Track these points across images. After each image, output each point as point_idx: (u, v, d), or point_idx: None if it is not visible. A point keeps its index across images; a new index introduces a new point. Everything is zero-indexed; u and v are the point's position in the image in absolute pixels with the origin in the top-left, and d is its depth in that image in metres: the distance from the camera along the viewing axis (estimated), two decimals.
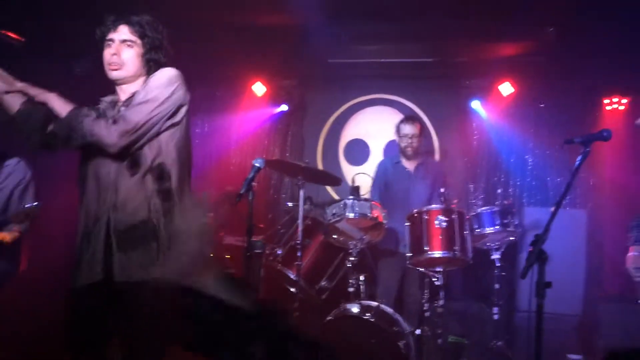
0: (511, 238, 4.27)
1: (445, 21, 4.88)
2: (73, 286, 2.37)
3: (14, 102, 2.40)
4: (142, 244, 2.33)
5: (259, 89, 6.11)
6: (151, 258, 2.32)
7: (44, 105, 2.38)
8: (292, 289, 4.34)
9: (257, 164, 2.22)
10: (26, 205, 3.21)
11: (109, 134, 2.31)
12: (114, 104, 2.52)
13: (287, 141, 6.19)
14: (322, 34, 5.02)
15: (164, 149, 2.42)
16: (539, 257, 2.42)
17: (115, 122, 2.33)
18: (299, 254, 4.22)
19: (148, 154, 2.40)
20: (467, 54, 5.55)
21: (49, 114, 2.38)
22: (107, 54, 2.46)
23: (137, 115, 2.34)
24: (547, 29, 4.95)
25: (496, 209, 4.20)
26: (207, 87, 6.11)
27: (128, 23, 2.47)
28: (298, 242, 4.25)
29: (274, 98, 6.17)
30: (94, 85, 2.62)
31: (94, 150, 2.39)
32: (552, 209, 2.53)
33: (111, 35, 2.46)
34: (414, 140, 4.70)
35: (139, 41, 2.47)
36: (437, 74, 5.80)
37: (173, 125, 2.44)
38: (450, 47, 5.44)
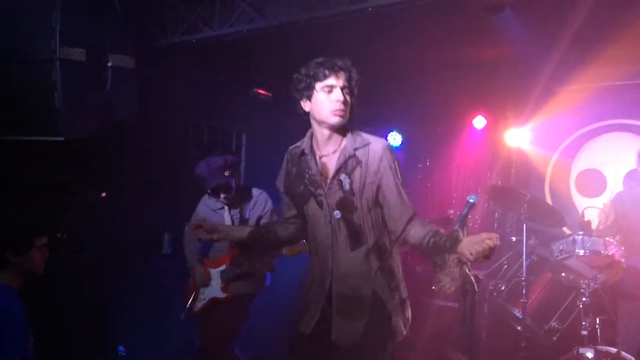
0: None
1: None
2: (294, 329, 2.43)
3: (238, 234, 2.62)
4: (365, 315, 2.31)
5: (479, 122, 6.11)
6: (374, 325, 2.30)
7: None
8: (518, 327, 4.18)
9: (471, 200, 2.27)
10: None
11: None
12: (312, 154, 2.42)
13: (510, 173, 6.03)
14: (545, 61, 4.85)
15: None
16: None
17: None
18: (524, 291, 4.07)
19: (368, 231, 2.34)
20: None
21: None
22: (328, 99, 2.31)
23: None
24: None
25: None
26: (428, 124, 6.31)
27: (345, 69, 2.33)
28: (523, 278, 4.11)
29: (496, 131, 6.09)
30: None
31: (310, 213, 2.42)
32: None
33: (331, 82, 2.31)
34: None
35: (352, 88, 2.36)
36: None
37: None
38: None
